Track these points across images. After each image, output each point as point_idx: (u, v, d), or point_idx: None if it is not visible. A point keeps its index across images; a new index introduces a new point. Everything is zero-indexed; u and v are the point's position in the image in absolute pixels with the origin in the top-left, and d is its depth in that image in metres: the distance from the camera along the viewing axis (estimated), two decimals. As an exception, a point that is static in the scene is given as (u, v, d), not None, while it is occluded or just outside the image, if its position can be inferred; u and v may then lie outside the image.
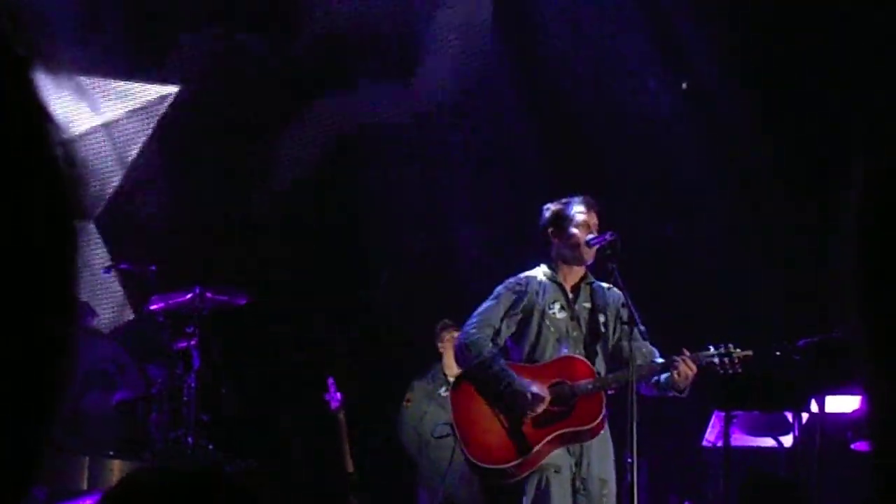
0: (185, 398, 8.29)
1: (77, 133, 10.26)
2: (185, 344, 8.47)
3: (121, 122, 10.38)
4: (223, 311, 8.85)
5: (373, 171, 10.72)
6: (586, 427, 6.32)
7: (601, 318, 6.55)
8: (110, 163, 10.37)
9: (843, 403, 7.69)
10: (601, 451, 6.43)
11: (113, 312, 10.10)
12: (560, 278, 6.59)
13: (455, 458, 7.60)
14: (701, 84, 10.29)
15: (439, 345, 8.80)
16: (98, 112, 10.14)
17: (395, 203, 10.68)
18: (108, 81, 10.34)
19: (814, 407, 7.63)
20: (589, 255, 6.51)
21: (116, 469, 7.80)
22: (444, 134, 10.83)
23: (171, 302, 8.62)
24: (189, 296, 8.48)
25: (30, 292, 0.81)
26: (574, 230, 6.51)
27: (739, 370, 6.41)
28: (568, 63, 10.54)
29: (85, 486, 7.64)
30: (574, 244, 6.51)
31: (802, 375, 7.49)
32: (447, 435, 7.91)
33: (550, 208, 6.63)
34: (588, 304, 6.58)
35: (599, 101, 10.45)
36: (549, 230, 6.61)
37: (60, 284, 0.83)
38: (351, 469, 8.86)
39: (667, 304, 8.55)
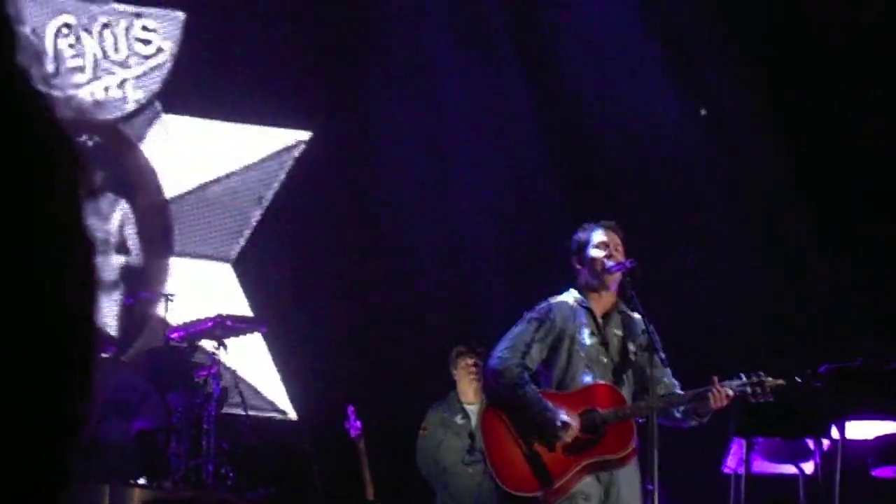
0: (205, 426, 8.29)
1: (218, 175, 10.67)
2: (205, 372, 8.48)
3: (259, 164, 10.80)
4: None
5: (388, 195, 10.77)
6: (617, 456, 6.29)
7: (631, 347, 6.52)
8: (249, 204, 10.75)
9: (863, 430, 7.66)
10: (630, 480, 6.40)
11: (133, 341, 10.11)
12: (590, 304, 6.58)
13: (484, 485, 7.57)
14: (720, 110, 10.30)
15: (454, 372, 8.78)
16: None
17: (411, 229, 10.70)
18: (247, 126, 10.79)
19: (834, 433, 7.60)
20: (610, 279, 6.50)
21: (137, 498, 7.80)
22: (461, 159, 10.87)
23: (191, 330, 8.63)
24: (210, 324, 8.49)
25: (36, 308, 0.81)
26: (592, 252, 6.51)
27: (771, 398, 6.38)
28: (586, 91, 10.57)
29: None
30: (593, 267, 6.50)
31: (823, 402, 7.47)
32: (478, 462, 7.88)
33: (575, 237, 6.65)
34: (619, 332, 6.56)
35: (618, 128, 10.47)
36: (575, 258, 6.61)
37: (65, 301, 0.84)
38: (371, 497, 8.86)
39: (686, 332, 8.54)
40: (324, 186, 10.76)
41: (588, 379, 6.45)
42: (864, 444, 7.58)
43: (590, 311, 6.57)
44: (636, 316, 6.56)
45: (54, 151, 0.84)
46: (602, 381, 6.44)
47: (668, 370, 6.46)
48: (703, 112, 10.39)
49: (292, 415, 10.36)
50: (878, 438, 7.43)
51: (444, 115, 10.92)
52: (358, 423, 9.02)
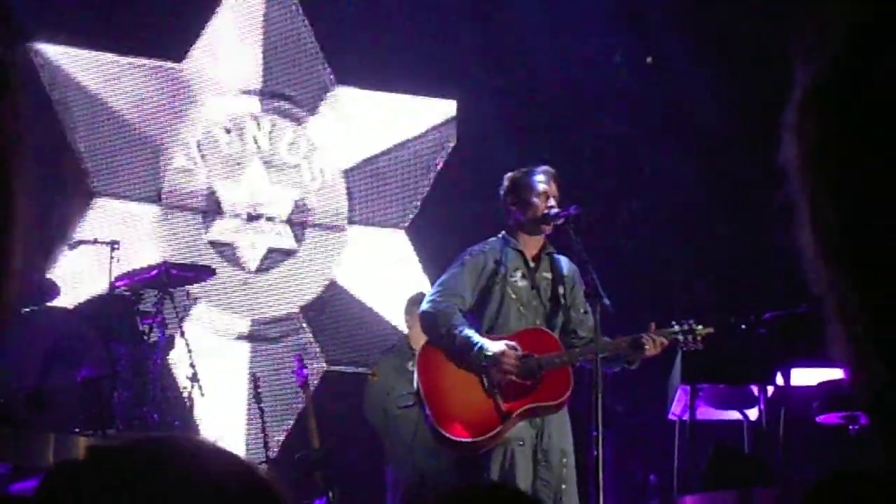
0: (150, 375, 8.25)
1: (389, 146, 11.02)
2: (150, 321, 8.42)
3: (427, 134, 11.09)
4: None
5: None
6: (554, 402, 6.28)
7: (560, 290, 6.50)
8: (420, 172, 11.02)
9: (808, 376, 7.71)
10: (560, 423, 6.38)
11: (78, 289, 10.04)
12: (521, 247, 6.53)
13: (419, 431, 7.54)
14: (665, 58, 10.30)
15: (407, 318, 8.75)
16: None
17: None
18: (415, 97, 11.10)
19: (779, 380, 7.66)
20: (548, 226, 6.46)
21: (82, 446, 7.76)
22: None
23: (136, 278, 8.56)
24: (155, 272, 8.42)
25: None
26: (535, 200, 6.43)
27: (700, 346, 6.40)
28: (533, 38, 10.55)
29: (50, 463, 7.60)
30: (534, 214, 6.45)
31: (768, 348, 7.52)
32: (412, 404, 7.87)
33: (510, 177, 6.57)
34: (549, 275, 6.52)
35: (564, 76, 10.46)
36: (509, 199, 6.53)
37: None
38: (317, 445, 8.83)
39: (631, 279, 8.55)
40: (491, 153, 10.76)
41: (521, 322, 6.42)
42: (808, 391, 7.63)
43: (521, 253, 6.52)
44: (563, 258, 6.54)
45: None
46: (537, 326, 6.41)
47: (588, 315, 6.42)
48: (648, 60, 10.39)
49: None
50: (822, 385, 7.47)
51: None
52: (304, 372, 9.00)
